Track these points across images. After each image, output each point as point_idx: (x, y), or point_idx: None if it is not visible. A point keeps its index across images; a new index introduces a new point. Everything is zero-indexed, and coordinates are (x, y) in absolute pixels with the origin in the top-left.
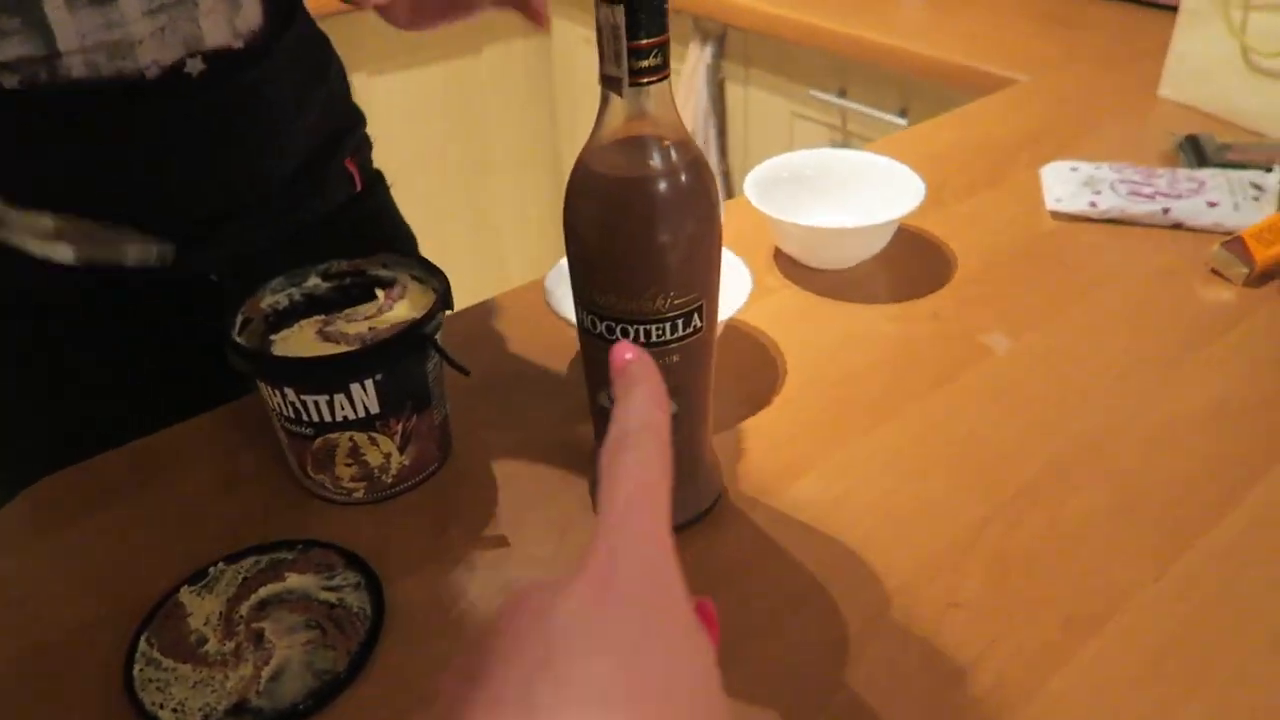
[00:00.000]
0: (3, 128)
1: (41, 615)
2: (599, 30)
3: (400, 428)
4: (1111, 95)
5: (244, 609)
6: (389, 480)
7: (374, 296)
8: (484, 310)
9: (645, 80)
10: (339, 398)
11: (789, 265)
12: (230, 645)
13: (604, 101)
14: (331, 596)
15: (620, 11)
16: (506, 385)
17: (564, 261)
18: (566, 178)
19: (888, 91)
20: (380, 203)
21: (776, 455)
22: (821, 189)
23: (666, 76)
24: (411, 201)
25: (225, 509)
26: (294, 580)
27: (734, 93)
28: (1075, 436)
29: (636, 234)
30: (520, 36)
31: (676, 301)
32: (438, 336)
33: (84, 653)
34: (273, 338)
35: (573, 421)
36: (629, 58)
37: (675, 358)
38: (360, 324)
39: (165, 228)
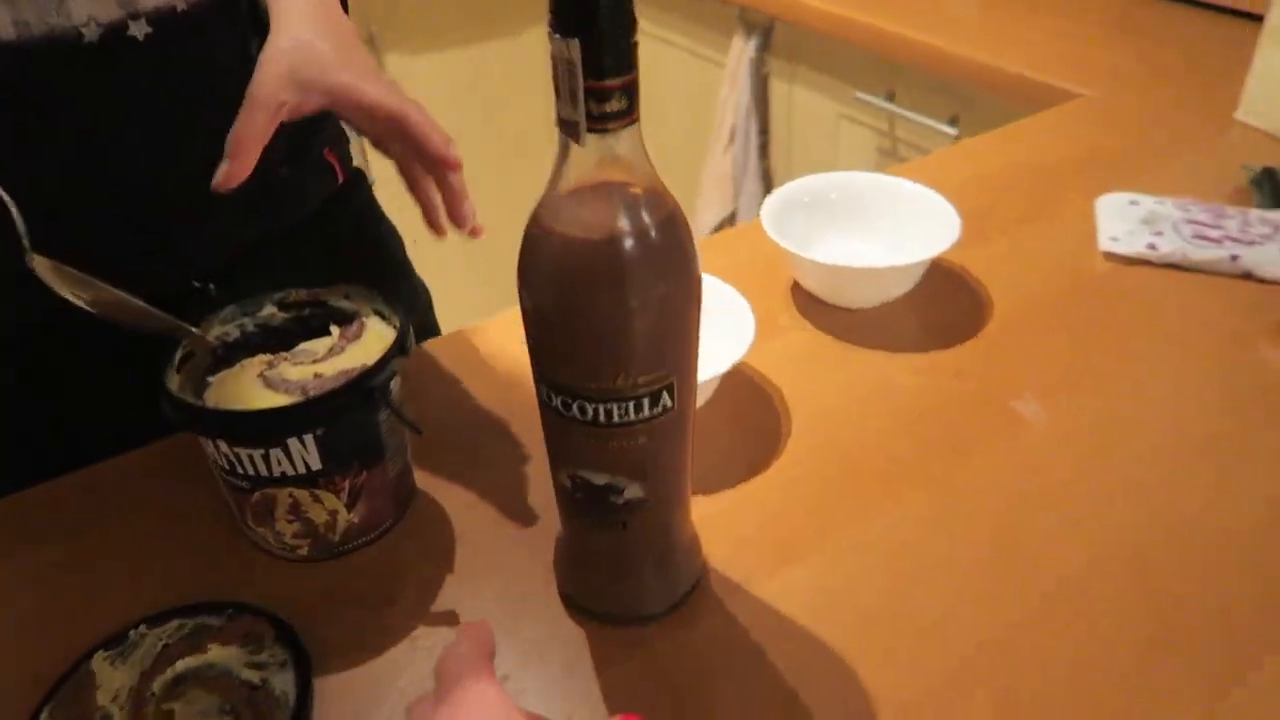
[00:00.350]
0: None
1: None
2: (553, 65)
3: (347, 484)
4: (1183, 117)
5: (157, 685)
6: (336, 538)
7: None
8: (472, 336)
9: (607, 127)
10: (275, 453)
11: (807, 301)
12: None
13: (562, 148)
14: (254, 676)
15: (575, 47)
16: (480, 429)
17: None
18: None
19: (938, 98)
20: (365, 199)
21: (767, 532)
22: (848, 215)
23: (634, 121)
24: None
25: (161, 555)
26: (216, 653)
27: (778, 90)
28: (1114, 537)
29: (596, 305)
30: None
31: (642, 380)
32: (393, 384)
33: None
34: (210, 379)
35: (545, 477)
36: (587, 100)
37: (642, 439)
38: (307, 367)
39: (124, 223)
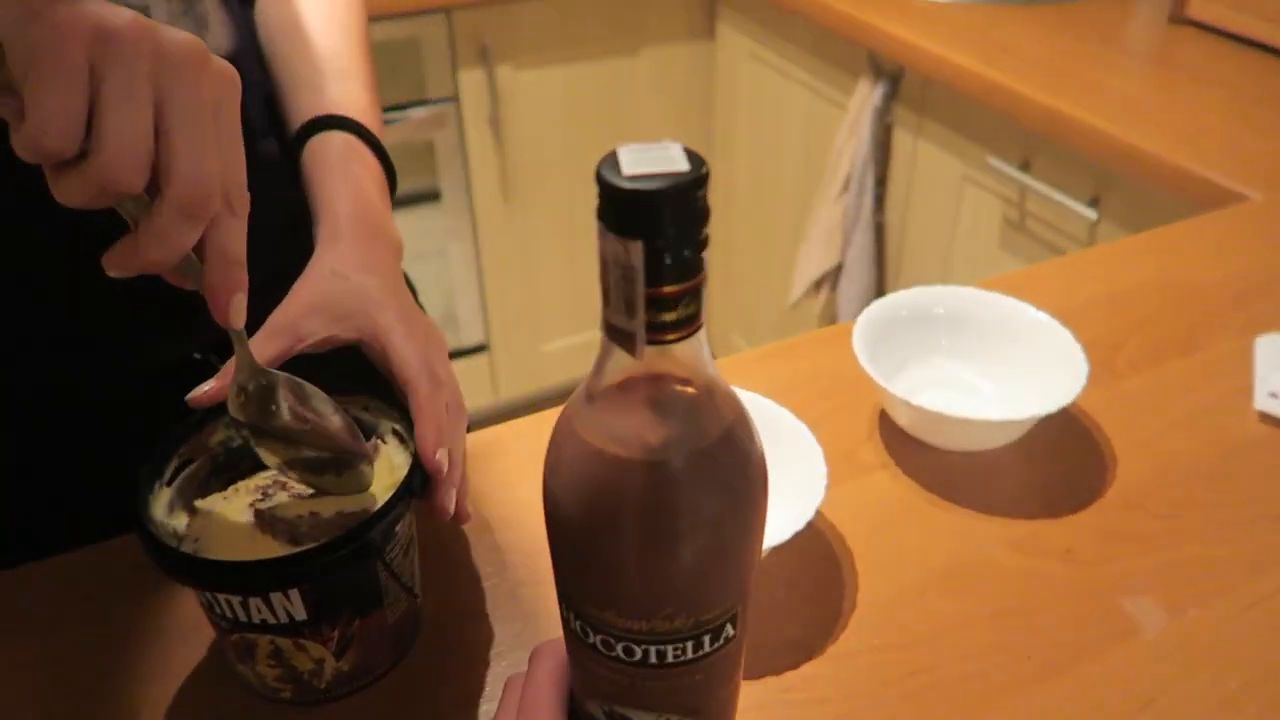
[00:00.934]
0: None
1: None
2: (603, 264)
3: (336, 634)
4: None
5: None
6: (322, 685)
7: None
8: (516, 433)
9: (669, 338)
10: (255, 601)
11: (895, 436)
12: None
13: (605, 350)
14: None
15: (638, 249)
16: (514, 555)
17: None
18: (714, 196)
19: (1079, 175)
20: None
21: None
22: (957, 335)
23: (699, 328)
24: (546, 207)
25: (129, 672)
26: None
27: (902, 141)
28: None
29: (648, 540)
30: (684, 41)
31: (702, 619)
32: (398, 529)
33: None
34: (198, 504)
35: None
36: (648, 309)
37: (699, 676)
38: (303, 503)
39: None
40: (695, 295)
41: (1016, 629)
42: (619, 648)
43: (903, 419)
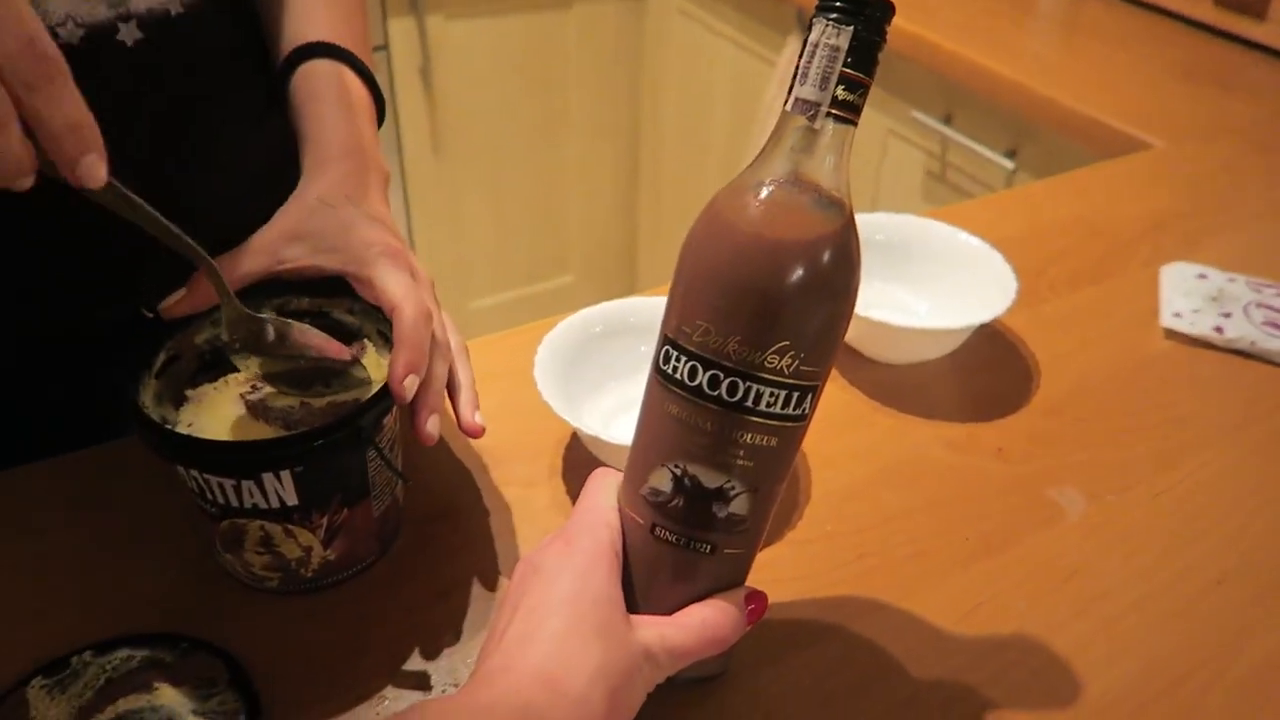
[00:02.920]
0: None
1: None
2: (810, 49)
3: (325, 521)
4: (1264, 181)
5: None
6: (309, 574)
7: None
8: (488, 348)
9: (846, 116)
10: (248, 485)
11: (841, 352)
12: None
13: (778, 133)
14: None
15: (847, 35)
16: (483, 459)
17: (558, 332)
18: (642, 151)
19: (997, 127)
20: None
21: (770, 619)
22: (893, 260)
23: (855, 124)
24: (475, 160)
25: (122, 567)
26: (163, 694)
27: None
28: (1150, 658)
29: (789, 275)
30: None
31: (803, 369)
32: (386, 422)
33: None
34: (189, 392)
35: (547, 524)
36: (838, 85)
37: (773, 441)
38: (293, 397)
39: (100, 238)
40: (865, 93)
41: (955, 517)
42: (724, 384)
43: (849, 332)
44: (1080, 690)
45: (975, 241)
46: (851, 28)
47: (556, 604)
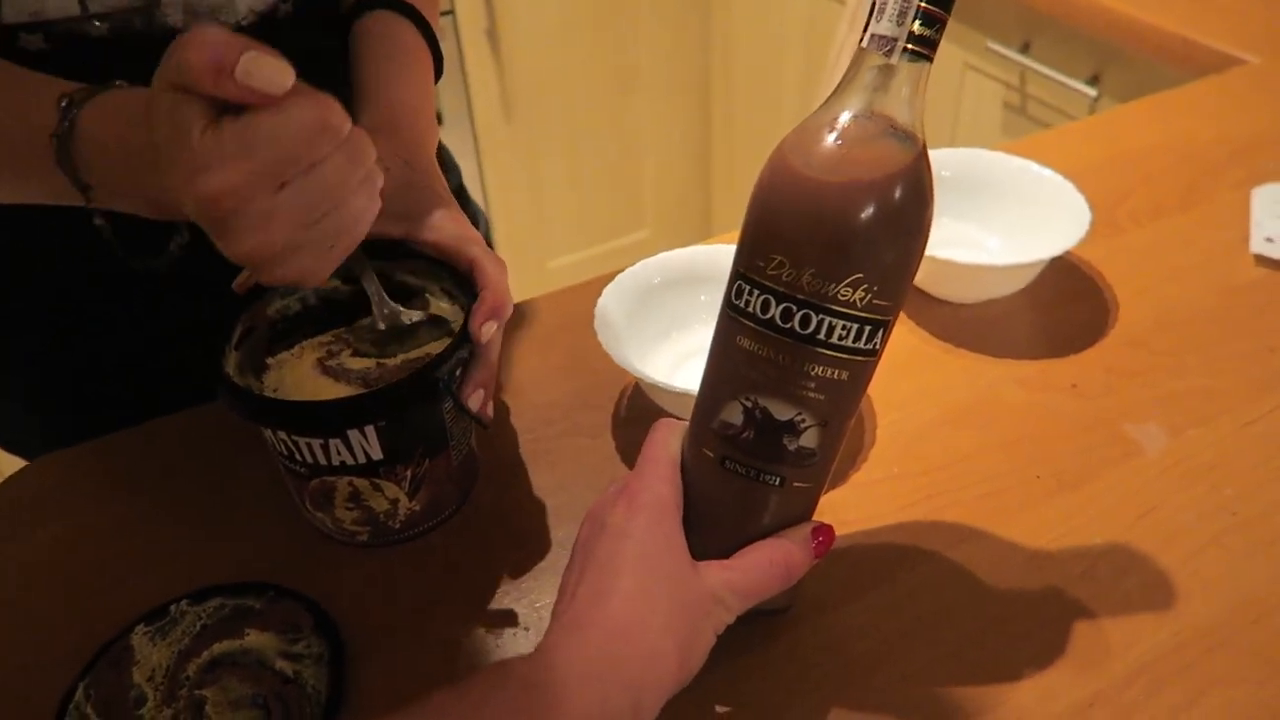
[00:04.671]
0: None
1: None
2: None
3: (409, 473)
4: None
5: (192, 668)
6: (397, 525)
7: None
8: (553, 303)
9: (923, 51)
10: (335, 443)
11: None
12: (166, 714)
13: (853, 69)
14: (288, 668)
15: None
16: (550, 411)
17: (619, 283)
18: (714, 102)
19: (1078, 54)
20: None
21: (842, 555)
22: (963, 195)
23: (931, 61)
24: (547, 121)
25: (212, 525)
26: (253, 639)
27: None
28: (1233, 596)
29: (863, 208)
30: None
31: (876, 303)
32: (459, 371)
33: (23, 683)
34: (269, 360)
35: (609, 474)
36: (916, 20)
37: (844, 374)
38: (368, 359)
39: None
40: (942, 29)
41: (1027, 455)
42: (797, 317)
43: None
44: (1157, 627)
45: (1047, 173)
46: None
47: (625, 559)
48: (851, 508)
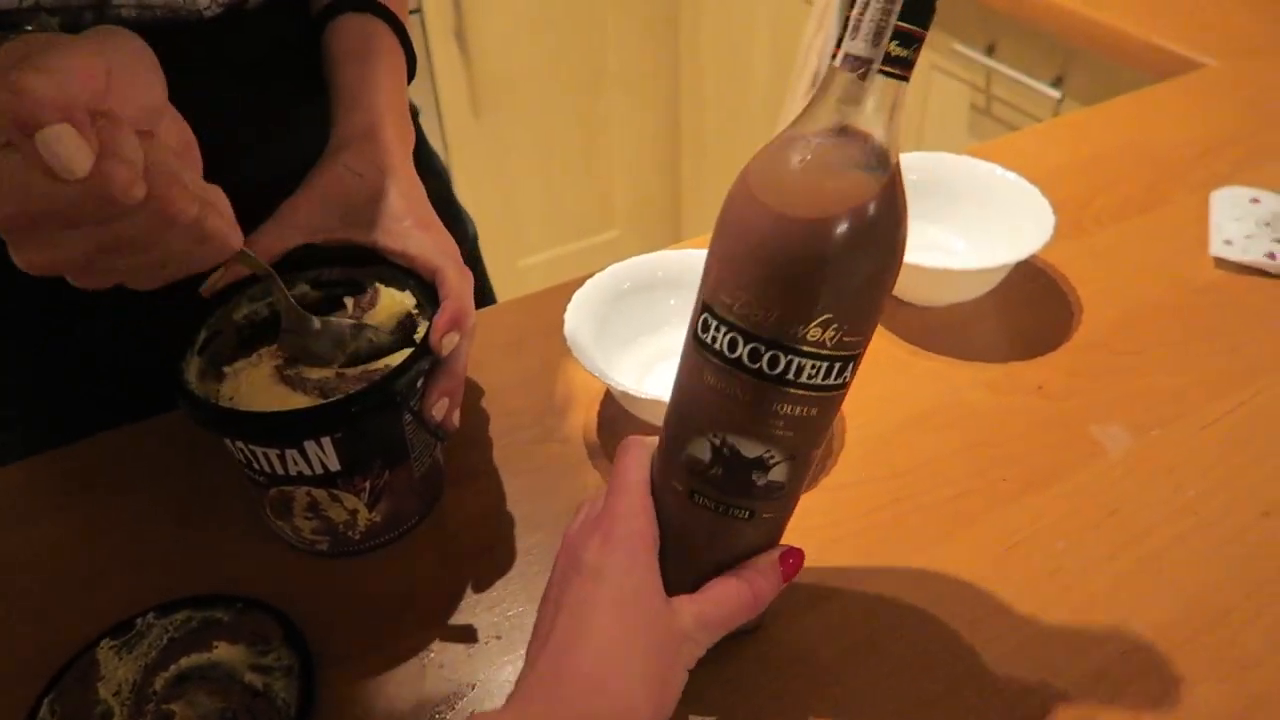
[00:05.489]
0: None
1: None
2: (863, 2)
3: (368, 485)
4: None
5: (159, 682)
6: (356, 536)
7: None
8: (524, 308)
9: (897, 72)
10: (292, 453)
11: None
12: None
13: (823, 88)
14: (257, 681)
15: None
16: (520, 417)
17: (587, 290)
18: (683, 101)
19: (1042, 56)
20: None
21: (810, 565)
22: (928, 198)
23: (907, 82)
24: (515, 120)
25: (178, 534)
26: (221, 651)
27: None
28: (1196, 596)
29: (830, 251)
30: None
31: (846, 340)
32: (421, 383)
33: None
34: (226, 369)
35: (585, 480)
36: (892, 40)
37: (813, 410)
38: (327, 370)
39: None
40: (919, 48)
41: (994, 458)
42: (765, 358)
43: None
44: (1121, 626)
45: (1012, 177)
46: None
47: (600, 605)
48: (820, 513)
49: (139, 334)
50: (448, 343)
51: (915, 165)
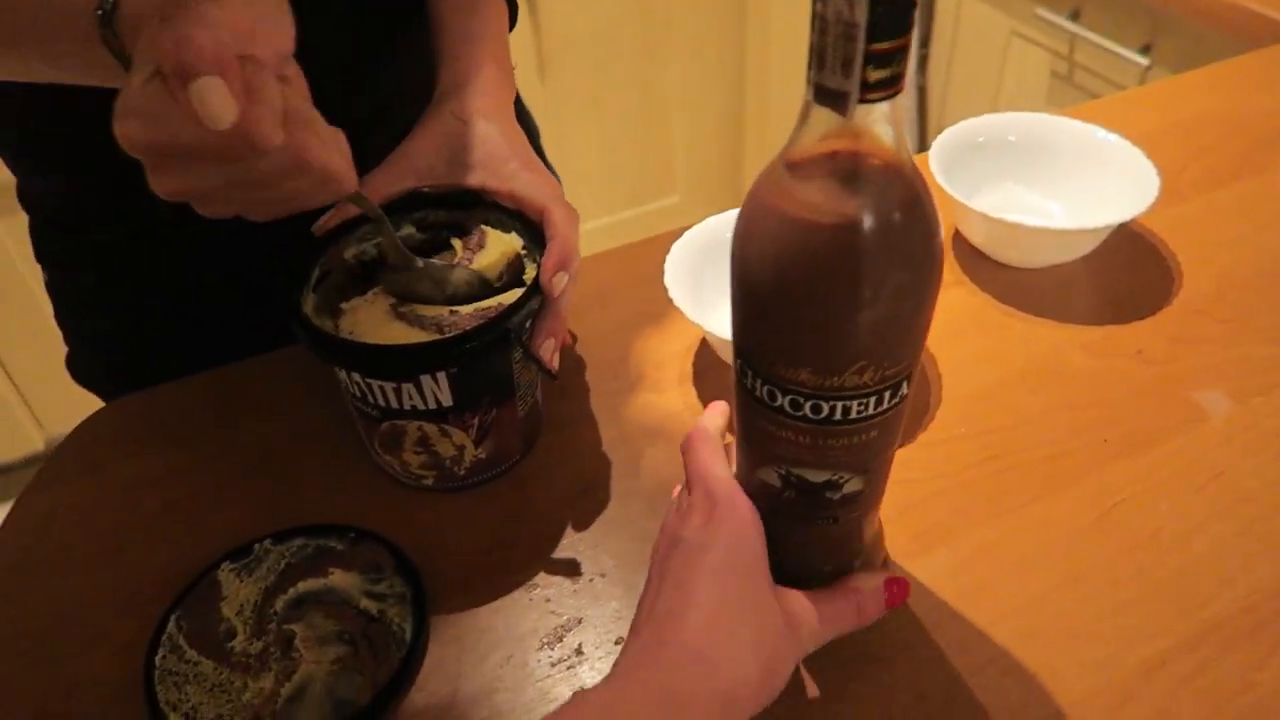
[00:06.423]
0: None
1: (79, 567)
2: (820, 25)
3: (476, 421)
4: None
5: (279, 604)
6: (461, 472)
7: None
8: (616, 258)
9: (879, 96)
10: (407, 387)
11: (969, 256)
12: (257, 646)
13: (803, 117)
14: (373, 606)
15: (863, 5)
16: (615, 367)
17: (683, 244)
18: (748, 65)
19: (1130, 21)
20: None
21: (907, 515)
22: (1026, 161)
23: (900, 89)
24: (580, 83)
25: (286, 467)
26: (337, 578)
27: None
28: None
29: (845, 299)
30: None
31: (888, 373)
32: (530, 323)
33: (111, 619)
34: (343, 305)
35: (673, 430)
36: (865, 66)
37: (874, 433)
38: (441, 306)
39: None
40: (904, 53)
41: (1092, 419)
42: (807, 406)
43: (978, 236)
44: (1220, 591)
45: (1113, 138)
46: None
47: (705, 577)
48: (918, 465)
49: (251, 266)
50: (557, 282)
51: (1013, 126)
